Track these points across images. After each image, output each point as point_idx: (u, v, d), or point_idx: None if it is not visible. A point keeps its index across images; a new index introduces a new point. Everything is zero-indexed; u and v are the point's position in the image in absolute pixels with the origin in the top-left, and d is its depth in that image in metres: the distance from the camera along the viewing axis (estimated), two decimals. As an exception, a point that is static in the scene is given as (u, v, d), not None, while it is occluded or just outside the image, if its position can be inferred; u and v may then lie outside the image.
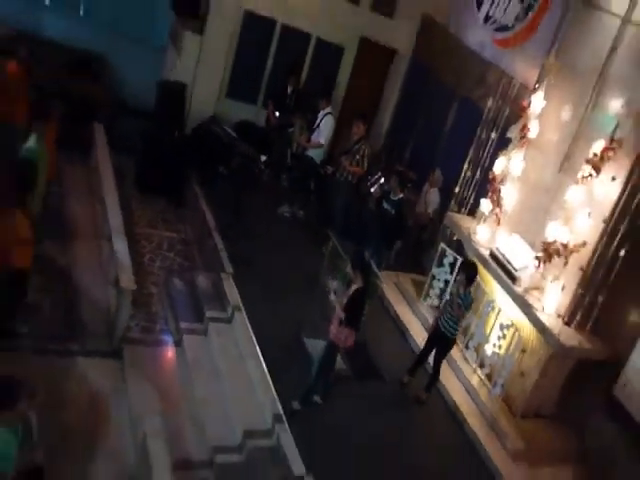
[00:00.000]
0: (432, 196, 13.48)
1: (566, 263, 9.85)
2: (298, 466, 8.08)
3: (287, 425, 8.53)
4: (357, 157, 12.89)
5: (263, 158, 11.95)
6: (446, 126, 14.76)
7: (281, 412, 8.69)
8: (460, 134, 13.38)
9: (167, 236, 11.73)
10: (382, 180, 12.26)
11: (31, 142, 8.80)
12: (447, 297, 10.63)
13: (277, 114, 14.18)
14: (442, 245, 11.83)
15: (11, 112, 10.40)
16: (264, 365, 9.22)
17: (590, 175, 9.58)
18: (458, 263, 11.34)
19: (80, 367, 8.68)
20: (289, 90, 14.30)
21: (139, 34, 14.70)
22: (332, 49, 15.80)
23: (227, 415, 8.73)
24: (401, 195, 11.65)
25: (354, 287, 8.74)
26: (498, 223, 11.39)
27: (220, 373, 9.30)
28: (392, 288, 12.59)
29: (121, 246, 9.71)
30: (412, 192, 13.13)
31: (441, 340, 10.22)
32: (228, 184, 12.56)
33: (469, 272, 10.04)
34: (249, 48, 14.79)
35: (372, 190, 12.18)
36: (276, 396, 8.87)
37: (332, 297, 8.96)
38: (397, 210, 11.50)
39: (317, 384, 9.26)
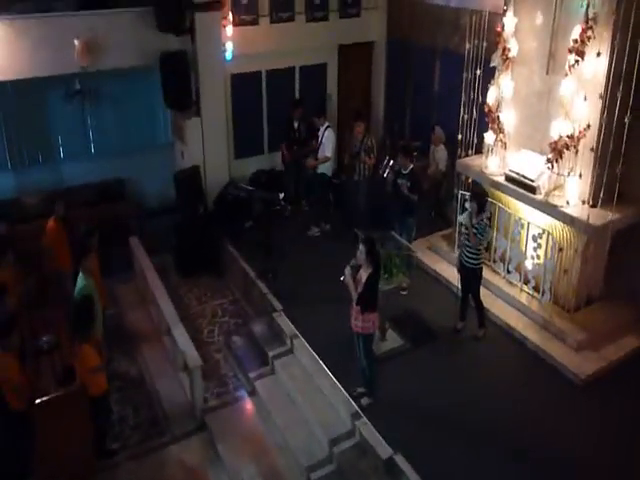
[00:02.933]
0: (439, 153, 13.76)
1: (577, 152, 10.00)
2: (384, 450, 8.47)
3: (365, 418, 8.93)
4: (369, 151, 13.37)
5: (281, 196, 12.31)
6: (435, 85, 15.14)
7: (357, 409, 9.12)
8: (449, 86, 13.52)
9: (217, 304, 12.40)
10: (391, 162, 12.44)
11: (80, 282, 9.55)
12: (462, 231, 10.74)
13: (287, 151, 14.75)
14: (460, 192, 12.04)
15: (59, 262, 11.30)
16: (331, 374, 9.72)
17: (576, 62, 9.69)
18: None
19: (174, 454, 9.33)
20: (295, 125, 14.72)
21: (146, 143, 15.50)
22: (316, 69, 16.35)
23: (311, 433, 9.24)
24: (411, 166, 11.84)
25: (366, 274, 8.75)
26: (505, 148, 11.53)
27: (295, 400, 9.81)
28: (427, 252, 12.86)
29: (180, 333, 10.32)
30: (420, 159, 13.38)
31: (468, 273, 10.48)
32: (257, 233, 13.09)
33: (479, 199, 10.23)
34: (243, 105, 15.35)
35: (385, 176, 12.36)
36: (348, 397, 9.32)
37: (342, 278, 9.04)
38: (412, 180, 11.67)
39: (373, 373, 9.44)
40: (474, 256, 10.28)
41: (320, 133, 13.92)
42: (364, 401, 9.37)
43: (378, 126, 17.26)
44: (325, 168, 13.99)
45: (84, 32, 12.38)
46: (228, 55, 14.39)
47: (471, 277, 10.53)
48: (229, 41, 14.26)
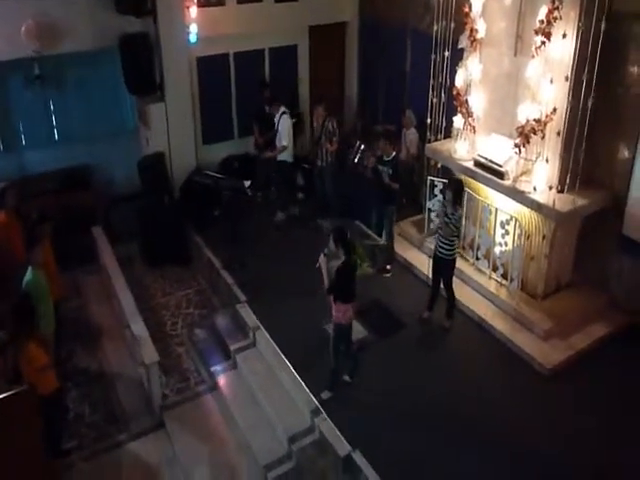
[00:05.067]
0: (410, 137, 13.47)
1: (543, 136, 9.87)
2: (342, 446, 8.29)
3: (325, 414, 8.75)
4: (330, 136, 13.06)
5: (247, 183, 12.00)
6: (406, 67, 14.84)
7: (318, 405, 8.92)
8: (420, 69, 13.19)
9: (183, 295, 12.07)
10: (362, 147, 12.14)
11: (27, 275, 9.10)
12: (437, 222, 10.55)
13: (259, 136, 14.27)
14: (429, 177, 11.84)
15: (16, 256, 10.93)
16: (292, 369, 9.51)
17: (543, 43, 9.52)
18: (446, 186, 11.32)
19: (131, 452, 9.04)
20: (267, 108, 14.04)
21: (112, 129, 15.07)
22: (286, 51, 15.92)
23: (271, 430, 9.03)
24: (394, 153, 11.57)
25: (339, 262, 8.62)
26: (474, 131, 11.29)
27: (256, 395, 9.59)
28: (397, 239, 12.53)
29: (138, 327, 9.97)
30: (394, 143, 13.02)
31: (441, 264, 10.32)
32: (224, 221, 12.82)
33: (455, 188, 9.98)
34: (211, 89, 14.98)
35: (356, 161, 12.05)
36: (309, 392, 9.11)
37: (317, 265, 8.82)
38: (394, 168, 11.42)
39: (338, 366, 9.26)
40: (447, 247, 10.10)
41: (276, 120, 13.47)
42: (324, 395, 9.17)
43: (352, 109, 16.98)
44: (285, 155, 13.55)
45: (38, 15, 11.94)
46: (192, 37, 13.98)
47: (442, 267, 10.37)
48: (193, 23, 13.85)
